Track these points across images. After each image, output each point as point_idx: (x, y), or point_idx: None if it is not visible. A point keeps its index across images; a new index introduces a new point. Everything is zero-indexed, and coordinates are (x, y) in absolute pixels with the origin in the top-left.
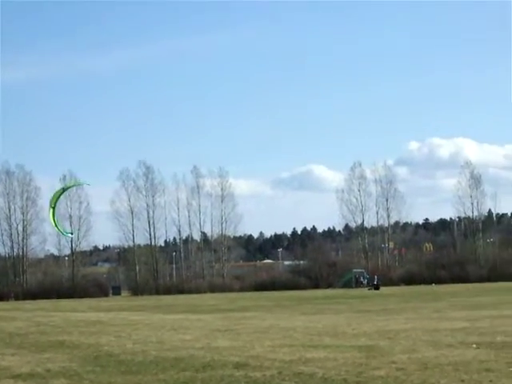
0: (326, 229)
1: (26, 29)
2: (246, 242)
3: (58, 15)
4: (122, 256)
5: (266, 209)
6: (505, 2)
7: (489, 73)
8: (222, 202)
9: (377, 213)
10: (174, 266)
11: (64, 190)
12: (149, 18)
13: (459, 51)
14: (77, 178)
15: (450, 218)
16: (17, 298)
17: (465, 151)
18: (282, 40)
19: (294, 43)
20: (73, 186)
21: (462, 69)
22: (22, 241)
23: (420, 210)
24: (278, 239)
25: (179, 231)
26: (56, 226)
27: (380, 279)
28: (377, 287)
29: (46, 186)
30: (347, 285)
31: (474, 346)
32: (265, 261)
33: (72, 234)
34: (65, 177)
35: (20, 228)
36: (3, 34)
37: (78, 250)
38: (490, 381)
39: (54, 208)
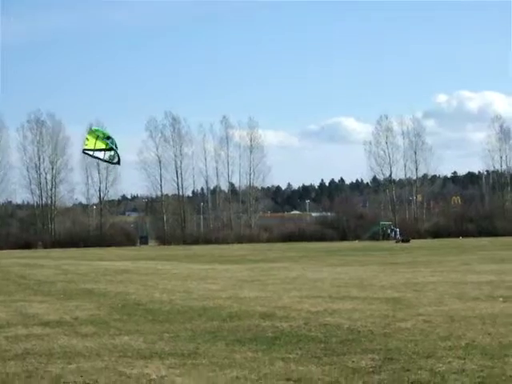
0: (354, 181)
1: None
2: (274, 193)
3: None
4: (150, 206)
5: (294, 160)
6: None
7: None
8: (250, 152)
9: (404, 165)
10: (202, 216)
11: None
12: None
13: (486, 11)
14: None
15: (479, 172)
16: (45, 247)
17: (494, 105)
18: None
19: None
20: (107, 142)
21: (487, 24)
22: (51, 189)
23: (448, 163)
24: (305, 191)
25: (207, 182)
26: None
27: (402, 233)
28: (406, 240)
29: (75, 136)
30: (374, 237)
31: (501, 299)
32: (292, 212)
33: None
34: (91, 125)
35: (49, 177)
36: None
37: (105, 199)
38: None
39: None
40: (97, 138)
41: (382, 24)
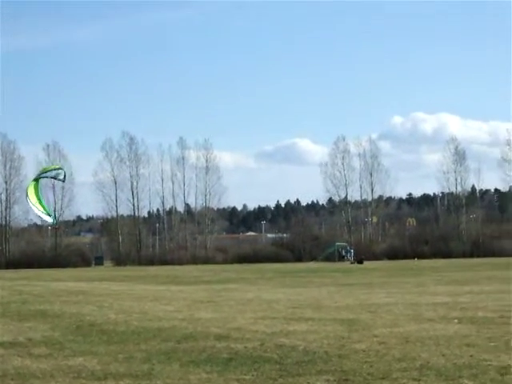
0: (310, 202)
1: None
2: (230, 214)
3: None
4: (105, 226)
5: (250, 181)
6: None
7: (473, 48)
8: (206, 173)
9: (360, 187)
10: (158, 237)
11: (41, 173)
12: None
13: (444, 28)
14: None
15: (434, 194)
16: None
17: (448, 127)
18: (269, 14)
19: (281, 17)
20: (50, 170)
21: (447, 45)
22: (5, 210)
23: (403, 185)
24: (261, 212)
25: (163, 202)
26: (42, 207)
27: (355, 253)
28: (360, 261)
29: (30, 156)
30: (330, 258)
31: (456, 320)
32: (248, 233)
33: (56, 224)
34: (48, 146)
35: (3, 197)
36: None
37: (60, 219)
38: (471, 355)
39: (36, 186)
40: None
41: (337, 45)
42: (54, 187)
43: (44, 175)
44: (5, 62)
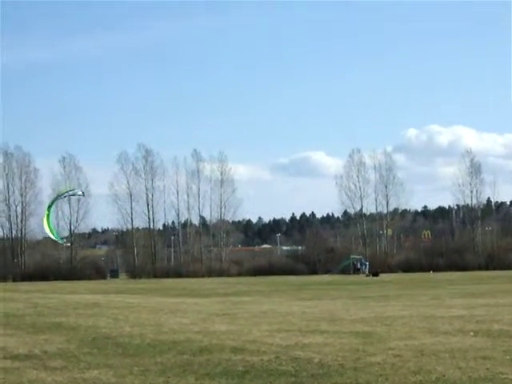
0: (325, 215)
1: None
2: (245, 226)
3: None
4: (121, 239)
5: (265, 194)
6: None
7: (489, 61)
8: (221, 186)
9: (375, 199)
10: (173, 249)
11: (58, 196)
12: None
13: (460, 38)
14: (71, 185)
15: (449, 206)
16: (14, 280)
17: (463, 139)
18: (281, 24)
19: (296, 28)
20: (66, 192)
21: (462, 57)
22: (21, 222)
23: (419, 198)
24: (276, 224)
25: (178, 215)
26: (51, 232)
27: (372, 267)
28: (375, 274)
29: (45, 168)
30: (345, 271)
31: (472, 333)
32: (263, 246)
33: (68, 240)
34: (64, 158)
35: (19, 210)
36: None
37: (76, 232)
38: (487, 368)
39: (48, 215)
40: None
41: (352, 58)
42: (70, 200)
43: (61, 196)
44: (21, 75)
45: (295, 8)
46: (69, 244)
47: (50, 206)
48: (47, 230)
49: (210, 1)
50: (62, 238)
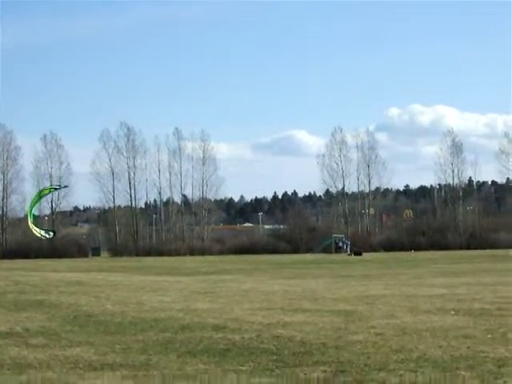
0: (307, 194)
1: None
2: (227, 205)
3: None
4: (102, 217)
5: (247, 173)
6: None
7: (471, 41)
8: (203, 164)
9: (357, 178)
10: (154, 228)
11: (40, 196)
12: None
13: (441, 20)
14: (52, 184)
15: (431, 185)
16: None
17: (446, 119)
18: (265, 8)
19: (278, 10)
20: (49, 191)
21: (444, 38)
22: (2, 200)
23: (401, 177)
24: (258, 203)
25: (160, 193)
26: (35, 230)
27: (352, 245)
28: (358, 253)
29: (27, 146)
30: (327, 250)
31: (453, 312)
32: (245, 224)
33: (53, 232)
34: (45, 136)
35: (0, 187)
36: None
37: (58, 210)
38: (468, 347)
39: (31, 213)
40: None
41: (334, 38)
42: (51, 177)
43: (45, 194)
44: (3, 56)
45: None
46: (52, 234)
47: (32, 206)
48: (33, 229)
49: None
50: (46, 231)
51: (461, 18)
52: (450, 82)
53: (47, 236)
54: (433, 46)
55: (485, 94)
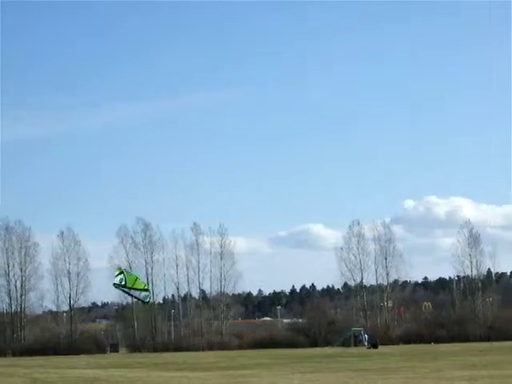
0: (325, 287)
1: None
2: (245, 299)
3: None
4: (121, 313)
5: (265, 266)
6: None
7: (487, 134)
8: (221, 259)
9: (376, 271)
10: (173, 323)
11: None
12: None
13: (457, 112)
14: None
15: (449, 277)
16: (14, 355)
17: (462, 210)
18: (282, 94)
19: (295, 97)
20: (135, 289)
21: (458, 131)
22: (20, 297)
23: (419, 269)
24: (276, 297)
25: (178, 288)
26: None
27: (372, 338)
28: (374, 345)
29: (45, 242)
30: (346, 343)
31: None
32: (264, 318)
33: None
34: (62, 233)
35: (18, 284)
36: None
37: (76, 306)
38: None
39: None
40: (136, 279)
41: (348, 131)
42: (69, 273)
43: (132, 292)
44: (21, 151)
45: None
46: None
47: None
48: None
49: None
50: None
51: (474, 113)
52: (465, 173)
53: (145, 300)
54: (447, 139)
55: (499, 186)
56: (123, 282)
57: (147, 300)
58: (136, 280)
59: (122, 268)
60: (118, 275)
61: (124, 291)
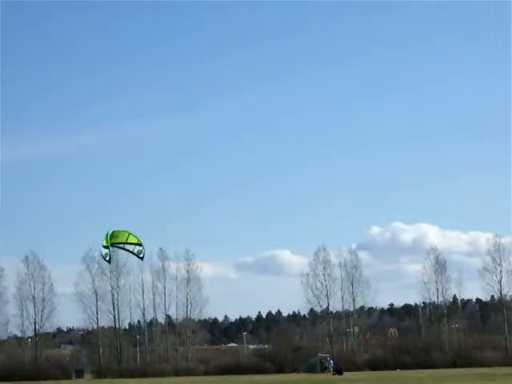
0: (291, 313)
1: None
2: (211, 325)
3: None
4: (86, 338)
5: (231, 292)
6: None
7: (454, 162)
8: (187, 284)
9: (342, 297)
10: (138, 348)
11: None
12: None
13: (424, 140)
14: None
15: (415, 304)
16: None
17: (428, 236)
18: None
19: (266, 120)
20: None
21: (425, 156)
22: None
23: (385, 295)
24: (242, 323)
25: (143, 314)
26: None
27: (337, 364)
28: (339, 372)
29: (10, 267)
30: (312, 369)
31: None
32: (230, 344)
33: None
34: (27, 258)
35: None
36: None
37: (41, 331)
38: None
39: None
40: (129, 234)
41: (313, 156)
42: (34, 299)
43: (127, 247)
44: None
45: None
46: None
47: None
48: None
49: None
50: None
51: (440, 140)
52: (431, 200)
53: (139, 255)
54: (412, 170)
55: (465, 212)
56: (107, 258)
57: (142, 255)
58: (129, 235)
59: (110, 231)
60: (104, 247)
61: (118, 247)
